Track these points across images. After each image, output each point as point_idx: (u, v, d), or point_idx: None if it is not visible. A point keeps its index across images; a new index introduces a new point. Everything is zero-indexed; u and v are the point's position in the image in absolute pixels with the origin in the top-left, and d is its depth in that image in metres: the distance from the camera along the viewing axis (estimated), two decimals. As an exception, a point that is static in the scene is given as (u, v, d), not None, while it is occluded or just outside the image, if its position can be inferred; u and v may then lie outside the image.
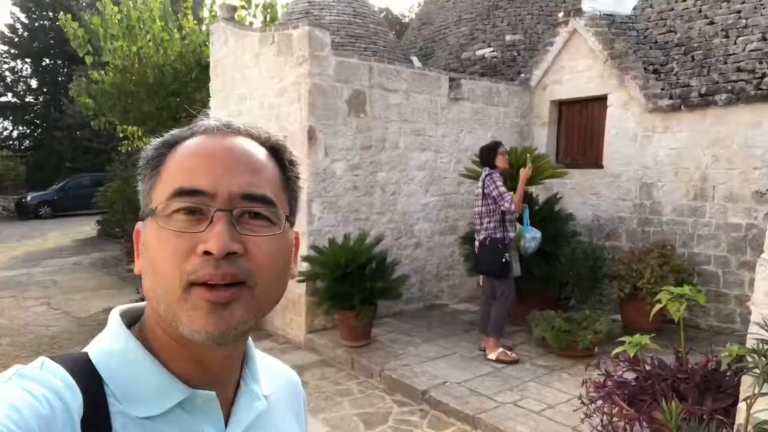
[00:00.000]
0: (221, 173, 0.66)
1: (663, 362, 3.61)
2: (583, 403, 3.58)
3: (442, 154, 6.81)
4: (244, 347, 0.78)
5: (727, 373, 3.39)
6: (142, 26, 13.15)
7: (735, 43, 6.23)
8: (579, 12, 7.33)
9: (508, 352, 5.19)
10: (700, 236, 6.19)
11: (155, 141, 0.72)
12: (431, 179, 6.76)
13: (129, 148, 14.83)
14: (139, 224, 0.72)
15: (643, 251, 5.80)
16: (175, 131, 0.73)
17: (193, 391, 0.68)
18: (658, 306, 3.52)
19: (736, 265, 5.91)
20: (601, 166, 7.20)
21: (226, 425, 0.72)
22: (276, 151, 0.74)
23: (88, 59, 13.58)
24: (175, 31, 13.55)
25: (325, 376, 5.19)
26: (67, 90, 16.07)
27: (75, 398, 0.61)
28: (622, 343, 3.43)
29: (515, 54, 9.54)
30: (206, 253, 0.63)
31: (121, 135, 14.70)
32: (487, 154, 5.22)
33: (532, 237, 5.42)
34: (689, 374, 3.44)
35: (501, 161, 5.18)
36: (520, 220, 5.46)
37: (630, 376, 3.68)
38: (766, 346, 2.40)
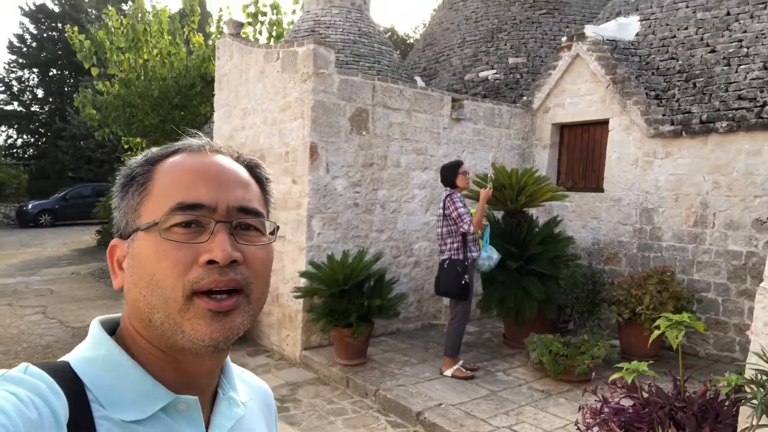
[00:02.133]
0: (218, 188, 0.70)
1: (660, 390, 3.57)
2: (579, 429, 3.53)
3: (442, 174, 6.82)
4: (222, 363, 0.81)
5: (726, 403, 3.35)
6: (149, 39, 13.28)
7: (736, 72, 6.27)
8: (582, 37, 7.39)
9: (464, 369, 5.21)
10: (699, 263, 6.17)
11: (134, 159, 0.75)
12: (432, 198, 6.76)
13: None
14: (114, 240, 0.74)
15: (642, 276, 5.77)
16: (154, 149, 0.75)
17: (177, 396, 0.70)
18: (656, 332, 3.50)
19: (736, 293, 5.88)
20: (601, 190, 7.20)
21: (206, 430, 0.75)
22: (251, 169, 0.79)
23: (94, 71, 13.72)
24: (182, 45, 13.69)
25: (320, 394, 5.14)
26: (72, 100, 16.15)
27: (61, 403, 0.62)
28: (620, 368, 3.40)
29: (518, 77, 9.62)
30: (210, 262, 0.66)
31: (125, 146, 14.77)
32: (448, 174, 5.18)
33: (487, 256, 5.38)
34: (687, 403, 3.40)
35: (461, 181, 5.15)
36: (483, 237, 5.44)
37: (627, 402, 3.64)
38: (764, 377, 2.38)
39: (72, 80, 27.17)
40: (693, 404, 3.36)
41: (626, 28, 7.74)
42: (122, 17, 13.96)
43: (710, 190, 6.13)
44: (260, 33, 14.82)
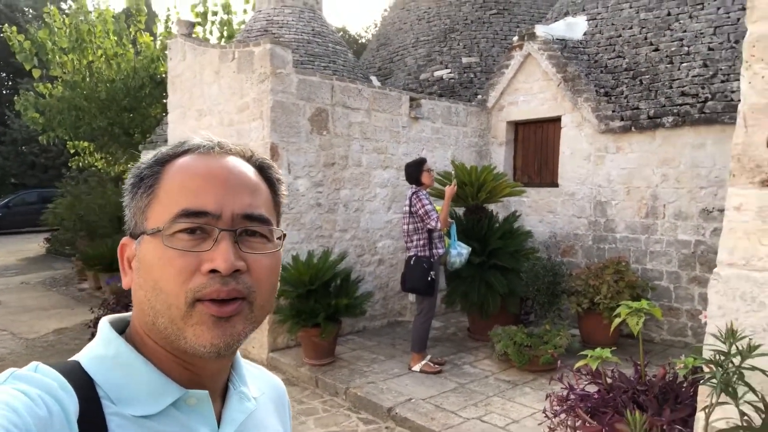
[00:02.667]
0: (224, 194, 0.69)
1: (623, 375, 3.73)
2: (547, 416, 3.65)
3: (404, 172, 6.88)
4: (230, 364, 0.81)
5: (684, 385, 3.53)
6: (93, 40, 12.84)
7: (679, 69, 6.57)
8: (533, 36, 7.59)
9: (431, 363, 5.30)
10: (652, 252, 6.45)
11: (147, 159, 0.74)
12: (393, 197, 6.81)
13: (80, 164, 14.38)
14: (125, 239, 0.74)
15: (599, 267, 5.98)
16: (165, 148, 0.74)
17: (186, 390, 0.71)
18: (617, 320, 3.65)
19: (687, 280, 6.17)
20: (556, 185, 7.42)
21: (218, 425, 0.75)
22: (263, 170, 0.77)
23: (36, 72, 13.16)
24: (129, 45, 13.30)
25: (289, 395, 5.10)
26: (12, 104, 15.46)
27: (71, 399, 0.62)
28: (583, 356, 3.53)
29: (472, 76, 9.79)
30: (212, 271, 0.66)
31: (71, 150, 14.25)
32: (413, 172, 5.23)
33: (457, 253, 5.48)
34: (648, 386, 3.56)
35: (426, 178, 5.21)
36: (449, 234, 5.54)
37: (592, 389, 3.78)
38: (722, 357, 2.53)
39: (10, 82, 25.98)
40: (654, 387, 3.52)
41: (574, 27, 8.00)
42: (64, 17, 13.45)
43: (659, 183, 6.40)
44: (210, 33, 14.56)
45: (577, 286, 5.91)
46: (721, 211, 5.80)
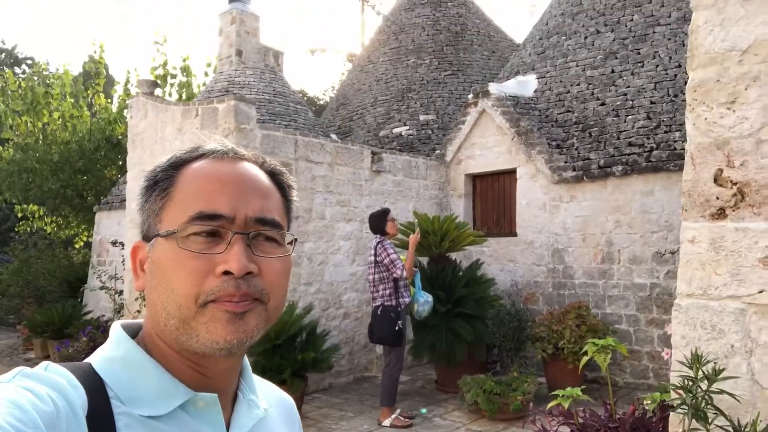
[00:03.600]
0: (237, 198, 0.71)
1: (594, 413, 3.75)
2: (522, 460, 3.61)
3: (367, 225, 6.92)
4: (240, 366, 0.81)
5: (653, 419, 3.56)
6: (50, 101, 12.73)
7: (625, 121, 6.97)
8: (487, 94, 7.95)
9: (402, 417, 5.21)
10: (610, 297, 6.61)
11: (162, 163, 0.75)
12: (357, 249, 6.83)
13: (29, 228, 13.90)
14: (137, 242, 0.75)
15: (561, 312, 6.08)
16: (180, 153, 0.76)
17: (195, 393, 0.70)
18: (585, 358, 3.69)
19: (645, 322, 6.32)
20: (515, 234, 7.60)
21: (227, 430, 0.74)
22: (275, 176, 0.79)
23: (-14, 135, 12.87)
24: (85, 108, 13.23)
25: (254, 457, 4.88)
26: (-42, 168, 14.95)
27: (79, 396, 0.62)
28: (555, 397, 3.54)
29: (429, 132, 10.11)
30: (225, 273, 0.67)
31: (20, 215, 13.79)
32: (377, 222, 5.28)
33: (425, 301, 5.49)
34: (620, 423, 3.58)
35: (391, 228, 5.28)
36: (413, 283, 5.55)
37: (565, 430, 3.77)
38: (690, 382, 2.59)
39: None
40: (625, 424, 3.54)
41: (525, 85, 8.43)
42: (20, 80, 13.33)
43: (613, 229, 6.65)
44: (170, 95, 14.65)
45: (541, 332, 5.97)
46: (673, 253, 6.04)
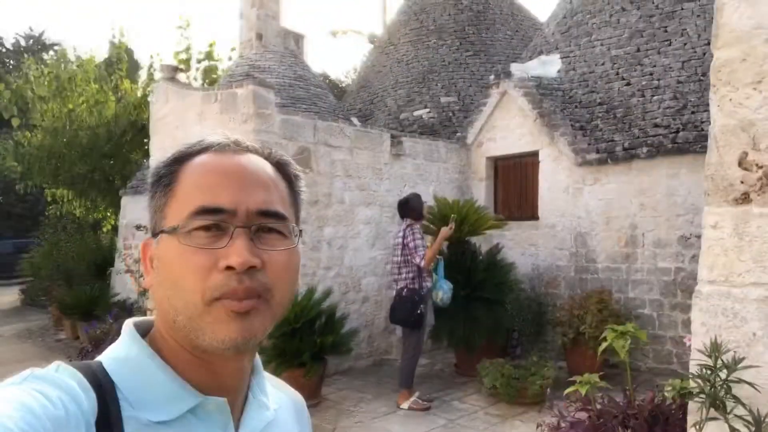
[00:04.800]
0: (239, 191, 0.70)
1: (613, 400, 3.71)
2: (539, 446, 3.60)
3: (386, 209, 6.92)
4: (252, 364, 0.80)
5: (672, 406, 3.52)
6: (74, 87, 12.93)
7: (650, 102, 6.80)
8: (509, 75, 7.82)
9: (420, 401, 5.22)
10: (634, 281, 6.50)
11: (166, 158, 0.74)
12: (377, 234, 6.83)
13: (58, 212, 14.23)
14: (146, 239, 0.75)
15: (582, 297, 6.01)
16: (183, 147, 0.75)
17: (205, 397, 0.70)
18: (604, 344, 3.65)
19: (669, 307, 6.22)
20: (536, 218, 7.51)
21: None
22: (281, 166, 0.78)
23: (15, 121, 13.15)
24: (110, 93, 13.40)
25: (275, 438, 4.97)
26: (-11, 154, 15.33)
27: (89, 401, 0.62)
28: (573, 384, 3.51)
29: (450, 115, 10.00)
30: (228, 267, 0.66)
31: (49, 198, 14.12)
32: (417, 205, 5.30)
33: (449, 288, 5.48)
34: (638, 410, 3.54)
35: (425, 212, 5.36)
36: (435, 270, 5.51)
37: (582, 416, 3.74)
38: (708, 371, 2.54)
39: (-12, 133, 25.82)
40: (644, 411, 3.51)
41: (548, 65, 8.26)
42: (44, 67, 13.55)
43: (637, 213, 6.52)
44: (195, 79, 14.75)
45: (562, 317, 5.92)
46: (698, 237, 5.90)
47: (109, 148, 12.73)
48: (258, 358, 0.81)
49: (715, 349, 2.50)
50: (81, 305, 9.03)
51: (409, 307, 5.09)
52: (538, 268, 7.37)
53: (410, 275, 5.18)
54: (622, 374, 5.85)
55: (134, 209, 10.52)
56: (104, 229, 14.93)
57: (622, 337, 3.60)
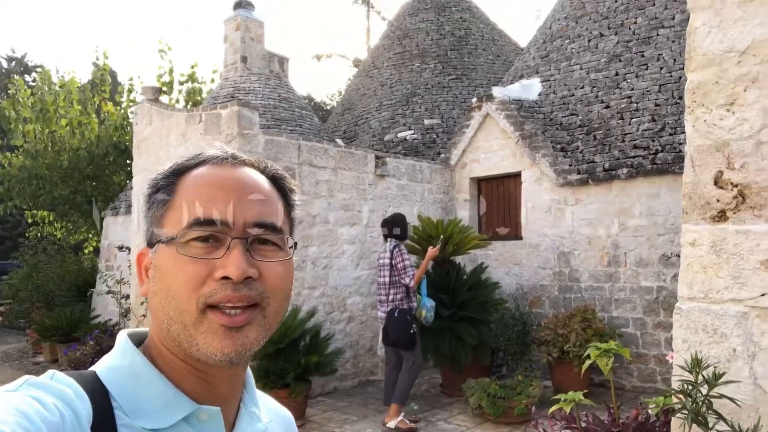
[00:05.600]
0: (236, 203, 0.71)
1: (597, 418, 3.73)
2: (525, 465, 3.59)
3: (371, 229, 6.94)
4: (245, 374, 0.81)
5: (657, 424, 3.54)
6: (57, 109, 12.86)
7: (629, 124, 6.94)
8: (490, 97, 7.95)
9: (407, 421, 5.19)
10: (617, 300, 6.57)
11: (164, 170, 0.76)
12: (361, 253, 6.83)
13: (39, 234, 14.04)
14: (142, 248, 0.76)
15: (566, 316, 6.05)
16: (181, 160, 0.76)
17: (199, 406, 0.70)
18: (588, 361, 3.67)
19: (652, 326, 6.28)
20: (520, 238, 7.57)
21: None
22: (276, 180, 0.79)
23: (-5, 143, 13.03)
24: (93, 114, 13.34)
25: (258, 461, 4.89)
26: (-31, 175, 15.13)
27: (85, 407, 0.62)
28: (558, 401, 3.52)
29: (434, 136, 10.11)
30: (224, 278, 0.67)
31: (30, 220, 13.93)
32: (401, 225, 5.31)
33: (432, 305, 5.49)
34: (622, 427, 3.56)
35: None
36: (419, 290, 5.51)
37: (567, 434, 3.75)
38: (690, 387, 2.57)
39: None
40: (628, 428, 3.52)
41: (529, 88, 8.42)
42: (29, 89, 13.49)
43: (619, 232, 6.61)
44: (177, 101, 14.75)
45: (546, 336, 5.94)
46: (679, 256, 5.99)
47: (91, 169, 12.64)
48: (250, 371, 0.82)
49: (696, 365, 2.54)
50: (61, 327, 8.87)
51: (403, 327, 5.08)
52: (522, 287, 7.41)
53: (399, 296, 5.18)
54: (607, 393, 5.88)
55: (116, 230, 10.43)
56: (86, 251, 14.75)
57: (606, 355, 3.63)
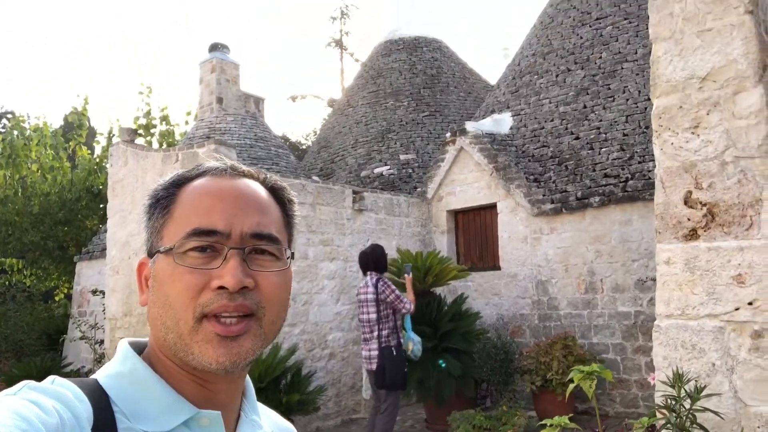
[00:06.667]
0: (233, 214, 0.72)
1: (584, 442, 3.72)
2: (514, 493, 3.55)
3: (351, 263, 6.93)
4: (244, 381, 0.81)
5: (642, 445, 3.54)
6: (28, 154, 12.72)
7: (599, 154, 7.15)
8: (464, 132, 8.12)
9: None
10: (596, 326, 6.62)
11: (164, 181, 0.77)
12: (342, 288, 6.81)
13: (7, 282, 13.65)
14: (142, 258, 0.77)
15: (547, 344, 6.07)
16: (181, 171, 0.78)
17: (199, 410, 0.70)
18: (571, 385, 3.69)
19: (632, 350, 6.33)
20: (498, 268, 7.64)
21: None
22: (275, 191, 0.80)
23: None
24: (65, 159, 13.22)
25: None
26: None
27: (85, 409, 0.62)
28: (543, 427, 3.51)
29: (410, 171, 10.24)
30: (220, 287, 0.68)
31: (-4, 267, 13.58)
32: (380, 258, 5.05)
33: (419, 340, 5.19)
34: (609, 450, 3.56)
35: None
36: (403, 325, 5.23)
37: (555, 460, 3.72)
38: (673, 402, 2.60)
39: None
40: (614, 451, 3.53)
41: (501, 123, 8.63)
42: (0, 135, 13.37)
43: (594, 259, 6.72)
44: (150, 143, 14.72)
45: (529, 365, 5.95)
46: (654, 280, 6.11)
47: (63, 214, 12.45)
48: (250, 380, 0.82)
49: (678, 379, 2.57)
50: (31, 377, 8.49)
51: (399, 367, 4.77)
52: (502, 317, 7.43)
53: (385, 332, 4.85)
54: (591, 420, 5.87)
55: (90, 274, 10.22)
56: (57, 299, 14.37)
57: (589, 378, 3.65)
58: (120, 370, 0.71)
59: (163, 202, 0.74)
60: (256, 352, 0.71)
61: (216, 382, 0.73)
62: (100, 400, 0.66)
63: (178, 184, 0.76)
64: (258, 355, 0.72)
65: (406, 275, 5.29)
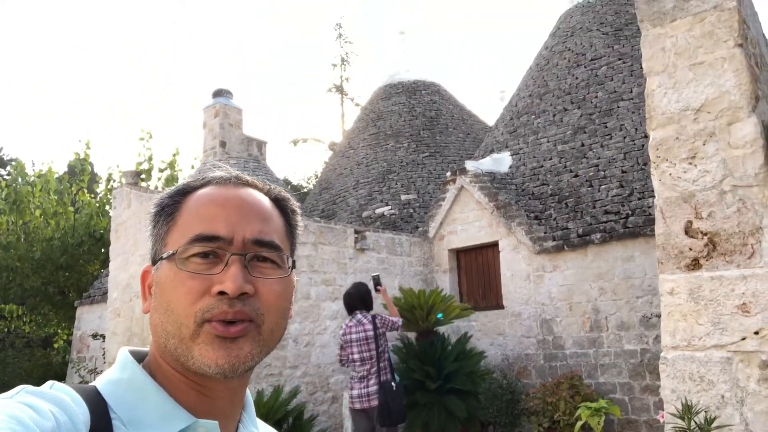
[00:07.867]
0: (236, 221, 0.73)
1: (594, 482, 3.62)
2: None
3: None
4: (244, 392, 0.80)
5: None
6: (31, 200, 12.82)
7: (599, 191, 7.18)
8: (464, 171, 8.19)
9: None
10: (602, 365, 6.51)
11: (170, 190, 0.79)
12: (343, 329, 6.73)
13: (6, 329, 13.53)
14: (146, 266, 0.78)
15: (554, 384, 5.97)
16: (187, 180, 0.80)
17: (197, 420, 0.70)
18: (579, 423, 3.61)
19: (640, 390, 6.21)
20: (502, 307, 7.57)
21: None
22: (279, 202, 0.81)
23: (-33, 235, 12.79)
24: (68, 204, 13.31)
25: None
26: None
27: (82, 412, 0.62)
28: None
29: (411, 211, 10.28)
30: (221, 293, 0.68)
31: (-4, 314, 13.47)
32: (367, 296, 4.97)
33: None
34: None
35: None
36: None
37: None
38: (683, 435, 2.54)
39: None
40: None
41: (500, 162, 8.72)
42: (3, 181, 13.50)
43: (598, 296, 6.67)
44: (156, 188, 14.84)
45: (536, 406, 5.83)
46: (659, 317, 6.05)
47: (64, 259, 12.44)
48: (249, 395, 0.82)
49: (687, 411, 2.52)
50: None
51: (401, 402, 4.71)
52: (507, 357, 7.32)
53: (373, 370, 4.76)
54: (601, 462, 5.71)
55: (90, 319, 10.14)
56: (55, 345, 14.20)
57: (597, 414, 3.58)
58: (119, 377, 0.71)
59: (168, 210, 0.75)
60: (256, 357, 0.71)
61: (215, 389, 0.72)
62: (97, 405, 0.65)
63: (183, 192, 0.77)
64: (258, 363, 0.72)
65: (379, 287, 5.16)
